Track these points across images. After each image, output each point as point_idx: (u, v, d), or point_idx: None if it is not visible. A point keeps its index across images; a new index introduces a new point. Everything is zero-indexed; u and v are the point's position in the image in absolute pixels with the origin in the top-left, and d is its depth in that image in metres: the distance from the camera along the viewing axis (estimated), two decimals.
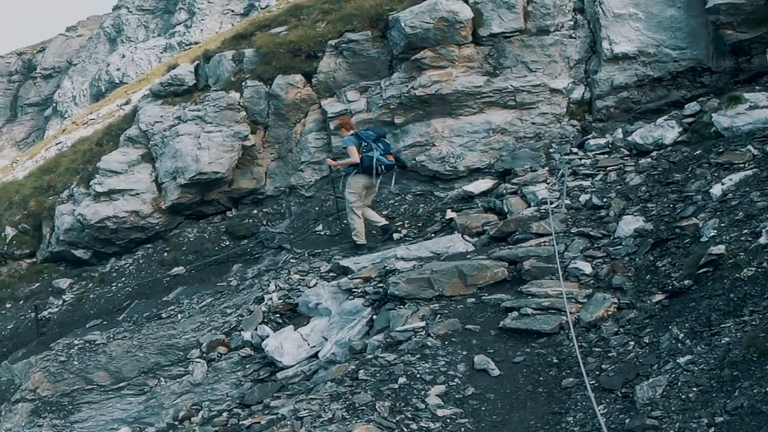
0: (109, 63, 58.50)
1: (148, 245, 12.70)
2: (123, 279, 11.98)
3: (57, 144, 41.69)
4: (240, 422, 5.84)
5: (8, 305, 13.80)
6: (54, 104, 68.01)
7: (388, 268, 7.29)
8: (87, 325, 10.30)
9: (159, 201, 12.60)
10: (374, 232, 9.60)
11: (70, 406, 8.26)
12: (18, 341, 11.68)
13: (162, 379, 7.89)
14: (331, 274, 8.34)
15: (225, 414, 6.30)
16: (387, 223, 9.60)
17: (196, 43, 46.12)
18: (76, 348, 9.04)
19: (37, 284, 13.92)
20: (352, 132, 9.75)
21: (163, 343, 8.40)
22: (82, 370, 8.53)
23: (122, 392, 8.02)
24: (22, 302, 13.67)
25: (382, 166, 9.23)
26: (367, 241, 9.26)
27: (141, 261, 12.33)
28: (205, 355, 7.71)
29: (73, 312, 11.73)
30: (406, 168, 10.42)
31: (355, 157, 9.23)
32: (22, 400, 8.69)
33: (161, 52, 52.94)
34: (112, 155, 13.74)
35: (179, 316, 8.98)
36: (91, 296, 11.80)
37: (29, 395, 8.65)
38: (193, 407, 6.90)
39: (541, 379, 5.12)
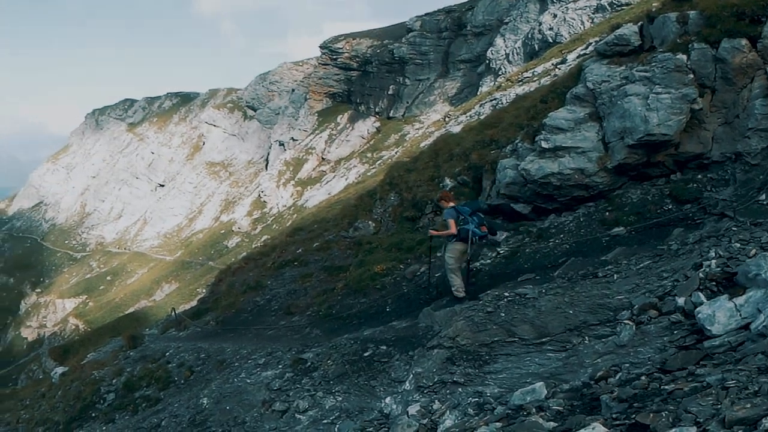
0: (541, 22, 67.66)
1: (590, 204, 14.57)
2: (561, 236, 13.95)
3: (491, 100, 48.14)
4: (661, 387, 6.68)
5: (439, 254, 16.91)
6: (487, 61, 79.39)
7: None
8: (519, 279, 12.41)
9: (605, 160, 14.45)
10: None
11: (487, 357, 10.04)
12: (443, 290, 14.43)
13: (587, 337, 9.18)
14: None
15: (644, 378, 7.22)
16: (465, 296, 13.07)
17: (627, 4, 51.99)
18: (505, 300, 10.96)
19: None
20: (451, 204, 13.51)
21: (594, 302, 9.74)
22: (507, 322, 10.35)
23: (543, 347, 9.52)
24: None
25: (477, 237, 13.09)
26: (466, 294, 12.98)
27: (581, 219, 14.14)
28: (634, 317, 8.76)
29: (506, 265, 14.09)
30: None
31: (452, 229, 13.16)
32: (438, 347, 10.87)
33: (593, 13, 60.20)
34: (559, 112, 15.82)
35: (615, 276, 10.26)
36: (527, 250, 14.00)
37: (447, 342, 10.76)
38: (612, 368, 7.99)
39: None
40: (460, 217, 13.15)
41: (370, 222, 24.32)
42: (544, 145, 15.41)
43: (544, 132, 15.60)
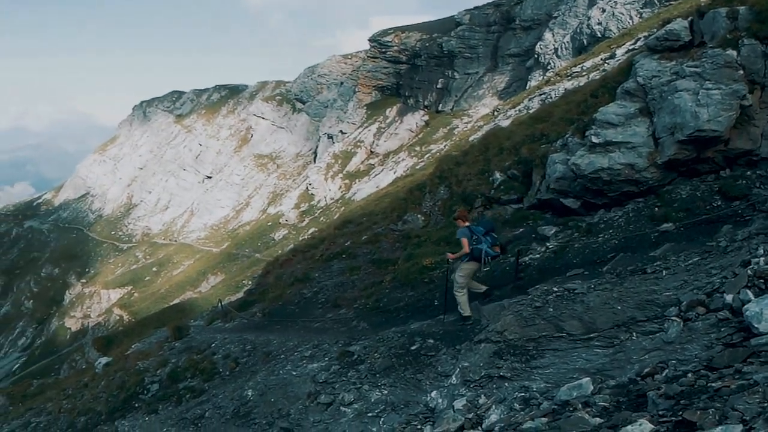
0: (590, 17, 69.23)
1: (639, 199, 14.71)
2: (610, 231, 14.07)
3: (540, 95, 48.82)
4: (708, 384, 6.76)
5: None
6: (535, 56, 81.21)
7: None
8: (567, 274, 12.55)
9: (655, 155, 14.63)
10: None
11: (534, 352, 10.19)
12: (492, 284, 14.61)
13: (634, 333, 9.27)
14: None
15: (691, 375, 7.29)
16: (487, 287, 14.07)
17: None
18: (553, 295, 11.07)
19: (520, 230, 16.97)
20: (466, 224, 13.93)
21: (643, 298, 9.80)
22: (555, 317, 10.48)
23: (590, 343, 9.64)
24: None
25: (489, 257, 13.58)
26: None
27: (630, 214, 14.27)
28: (682, 313, 8.83)
29: (554, 260, 14.23)
30: None
31: (465, 248, 13.61)
32: (485, 341, 11.05)
33: (641, 7, 61.57)
34: (610, 107, 15.98)
35: (664, 272, 10.30)
36: (576, 245, 14.13)
37: (495, 336, 10.94)
38: (659, 365, 8.08)
39: None
40: (473, 237, 13.53)
41: (419, 215, 24.54)
42: (594, 139, 15.54)
43: (594, 127, 15.72)
